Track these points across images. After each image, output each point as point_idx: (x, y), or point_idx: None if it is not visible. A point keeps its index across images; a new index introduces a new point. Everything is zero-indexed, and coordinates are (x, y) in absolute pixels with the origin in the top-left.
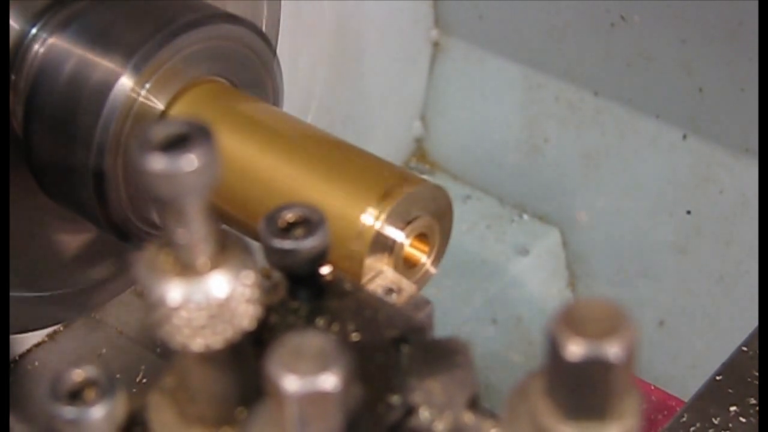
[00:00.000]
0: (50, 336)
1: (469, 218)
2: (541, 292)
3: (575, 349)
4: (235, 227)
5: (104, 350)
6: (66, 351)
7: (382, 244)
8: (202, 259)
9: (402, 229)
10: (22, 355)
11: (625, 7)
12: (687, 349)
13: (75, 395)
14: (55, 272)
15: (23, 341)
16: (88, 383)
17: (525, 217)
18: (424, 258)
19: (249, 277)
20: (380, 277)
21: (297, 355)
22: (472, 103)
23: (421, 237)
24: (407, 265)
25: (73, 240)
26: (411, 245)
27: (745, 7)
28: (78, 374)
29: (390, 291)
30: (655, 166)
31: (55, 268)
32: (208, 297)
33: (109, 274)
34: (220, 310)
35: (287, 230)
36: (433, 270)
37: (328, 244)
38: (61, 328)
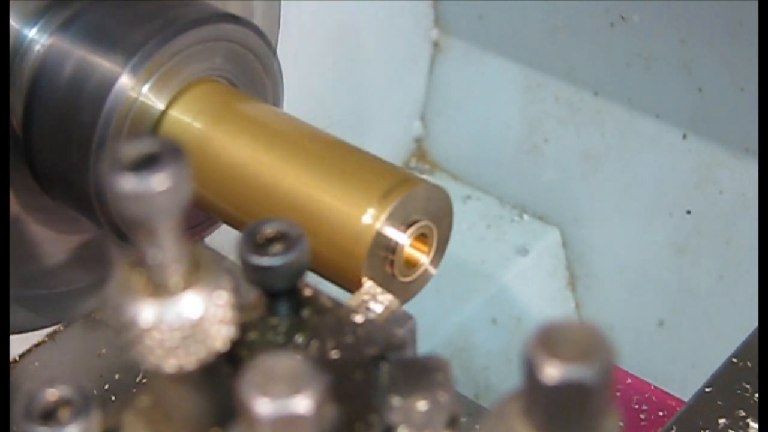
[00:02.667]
0: (50, 336)
1: (469, 218)
2: (541, 292)
3: (552, 372)
4: (234, 227)
5: (104, 350)
6: (66, 351)
7: (382, 245)
8: (174, 279)
9: (402, 229)
10: (22, 355)
11: (625, 7)
12: (687, 348)
13: (49, 415)
14: (56, 272)
15: (23, 341)
16: (63, 402)
17: (525, 217)
18: (423, 258)
19: (222, 297)
20: (361, 290)
21: (270, 377)
22: (472, 103)
23: (421, 237)
24: (407, 266)
25: (73, 239)
26: (411, 245)
27: (745, 7)
28: (52, 393)
29: (370, 306)
30: (654, 166)
31: (56, 268)
32: (180, 318)
33: (109, 274)
34: (193, 330)
35: (265, 246)
36: (432, 270)
37: (308, 260)
38: (61, 328)
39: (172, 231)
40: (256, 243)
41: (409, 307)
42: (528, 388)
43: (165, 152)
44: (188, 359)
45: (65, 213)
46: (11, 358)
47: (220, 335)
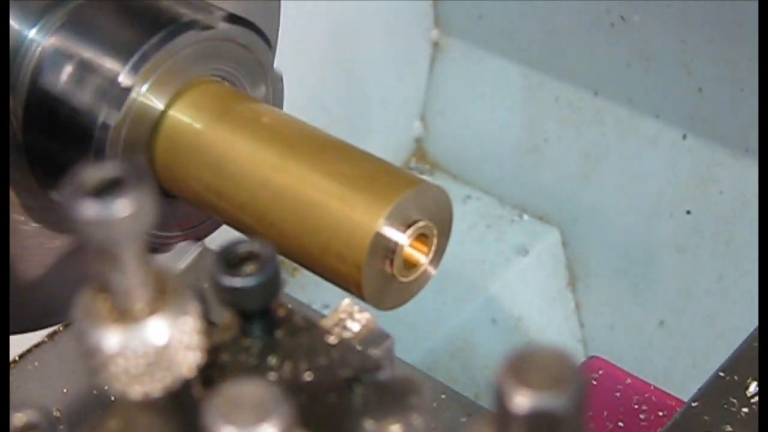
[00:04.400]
0: (50, 336)
1: (469, 218)
2: (541, 292)
3: (521, 401)
4: (234, 227)
5: None
6: (65, 351)
7: (382, 246)
8: (139, 305)
9: (402, 229)
10: (22, 356)
11: (625, 7)
12: (687, 349)
13: None
14: (56, 272)
15: (23, 341)
16: (29, 427)
17: (525, 217)
18: (423, 259)
19: (188, 323)
20: (338, 309)
21: (235, 406)
22: (472, 103)
23: (421, 237)
24: (407, 266)
25: (76, 240)
26: (411, 246)
27: (745, 7)
28: (19, 419)
29: (347, 325)
30: (654, 166)
31: (55, 268)
32: (145, 344)
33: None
34: (159, 357)
35: (237, 267)
36: (432, 271)
37: (280, 280)
38: (61, 329)
39: (135, 256)
40: (228, 263)
41: (409, 308)
42: (498, 416)
43: (128, 177)
44: (154, 386)
45: (65, 213)
46: (11, 358)
47: (186, 361)
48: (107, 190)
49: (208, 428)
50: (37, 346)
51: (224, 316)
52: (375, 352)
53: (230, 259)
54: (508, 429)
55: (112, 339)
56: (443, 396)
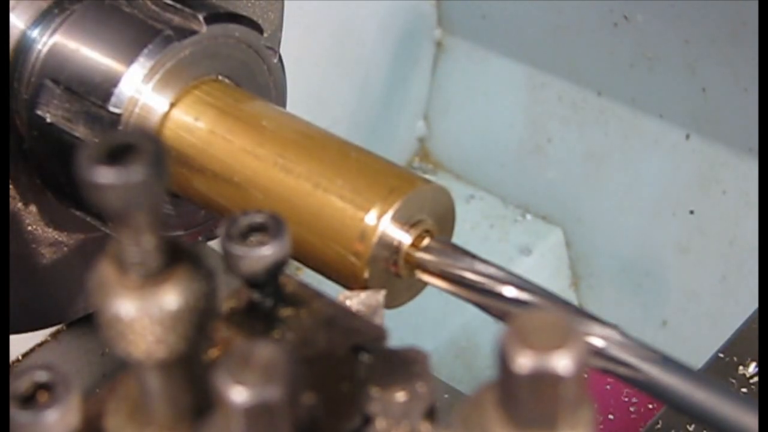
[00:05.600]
0: (53, 335)
1: (472, 218)
2: None
3: (524, 362)
4: None
5: (107, 349)
6: (69, 350)
7: (386, 245)
8: (153, 271)
9: (405, 229)
10: (25, 355)
11: (629, 7)
12: (690, 349)
13: (28, 399)
14: (58, 271)
15: (26, 341)
16: (41, 387)
17: (528, 216)
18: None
19: (200, 288)
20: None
21: (245, 365)
22: (475, 102)
23: (424, 237)
24: (410, 266)
25: (76, 238)
26: (413, 245)
27: (748, 7)
28: (32, 378)
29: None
30: (658, 166)
31: (58, 267)
32: (160, 309)
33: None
34: (173, 322)
35: (247, 236)
36: None
37: (288, 253)
38: (64, 328)
39: (149, 223)
40: (238, 233)
41: (412, 307)
42: (502, 378)
43: (141, 144)
44: (167, 350)
45: (68, 212)
46: (14, 357)
47: (198, 327)
48: (121, 156)
49: (218, 388)
50: (40, 345)
51: (232, 286)
52: (378, 322)
53: (240, 229)
54: (511, 391)
55: (128, 306)
56: (446, 396)
